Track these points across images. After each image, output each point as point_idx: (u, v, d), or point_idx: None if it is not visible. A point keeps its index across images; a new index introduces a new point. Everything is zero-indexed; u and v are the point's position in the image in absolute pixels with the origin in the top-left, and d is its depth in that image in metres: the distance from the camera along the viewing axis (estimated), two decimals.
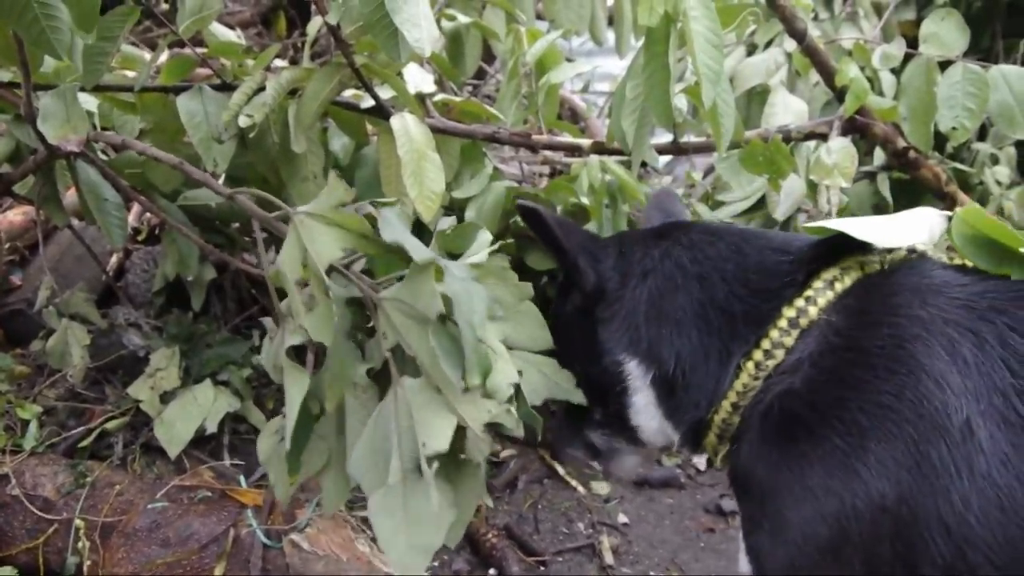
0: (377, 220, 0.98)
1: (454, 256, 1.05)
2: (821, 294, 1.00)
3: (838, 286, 1.00)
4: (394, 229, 0.95)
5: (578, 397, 1.16)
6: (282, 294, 1.05)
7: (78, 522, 1.65)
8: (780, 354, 1.00)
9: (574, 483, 2.19)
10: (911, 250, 1.02)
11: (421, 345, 0.92)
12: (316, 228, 0.98)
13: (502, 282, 1.04)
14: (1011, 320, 0.90)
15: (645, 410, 1.16)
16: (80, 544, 1.63)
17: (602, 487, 2.19)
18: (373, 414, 0.95)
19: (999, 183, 2.45)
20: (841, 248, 1.04)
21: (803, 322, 0.99)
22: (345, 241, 0.99)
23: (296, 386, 0.98)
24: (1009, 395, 0.86)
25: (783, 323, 1.00)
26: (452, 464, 0.93)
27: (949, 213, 1.03)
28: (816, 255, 1.06)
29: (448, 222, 1.04)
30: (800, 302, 1.00)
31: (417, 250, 0.93)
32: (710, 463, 1.20)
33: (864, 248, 1.02)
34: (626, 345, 1.14)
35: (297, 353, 1.03)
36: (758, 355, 1.02)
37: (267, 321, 1.10)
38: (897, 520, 0.86)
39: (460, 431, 0.91)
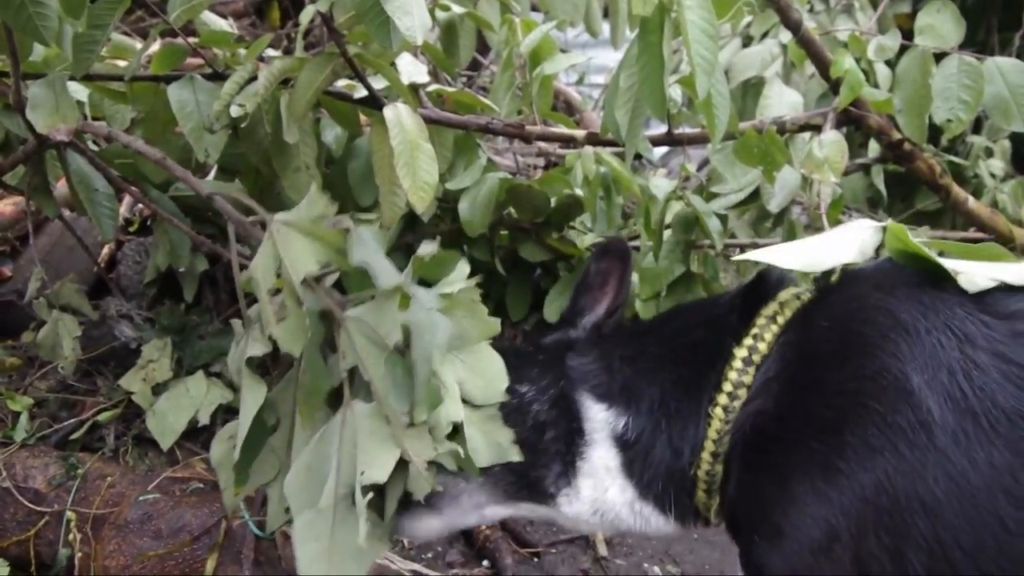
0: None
1: (430, 283, 1.01)
2: (766, 329, 1.02)
3: (780, 319, 1.02)
4: (364, 249, 0.92)
5: (515, 457, 1.02)
6: (253, 300, 1.03)
7: (69, 514, 1.64)
8: (743, 393, 1.01)
9: None
10: (844, 271, 1.03)
11: (376, 371, 0.89)
12: (293, 238, 0.96)
13: (470, 315, 1.00)
14: (957, 299, 0.91)
15: (597, 473, 1.11)
16: (71, 536, 1.62)
17: None
18: (318, 434, 0.92)
19: (993, 176, 2.45)
20: (778, 283, 1.08)
21: (756, 358, 1.01)
22: (321, 254, 0.96)
23: (252, 396, 0.96)
24: (955, 372, 0.85)
25: (738, 364, 1.02)
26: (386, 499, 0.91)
27: (883, 224, 1.03)
28: (747, 295, 1.10)
29: (429, 249, 1.01)
30: (748, 341, 1.02)
31: (384, 275, 0.90)
32: (707, 523, 1.14)
33: (795, 280, 1.07)
34: (595, 384, 1.13)
35: (260, 363, 1.01)
36: (723, 399, 1.03)
37: (236, 324, 1.08)
38: (879, 509, 0.86)
39: (402, 464, 0.88)
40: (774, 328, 1.02)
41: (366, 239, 0.94)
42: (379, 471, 0.86)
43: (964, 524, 0.82)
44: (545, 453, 1.11)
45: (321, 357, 0.98)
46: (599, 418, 1.10)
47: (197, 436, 1.97)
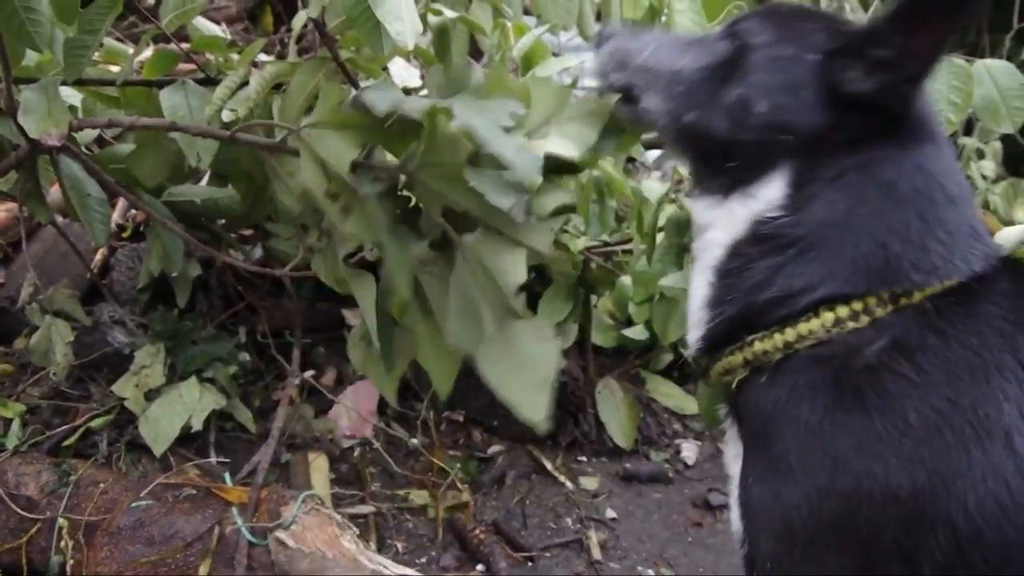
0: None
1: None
2: (931, 285, 0.91)
3: (946, 282, 0.92)
4: (384, 97, 0.92)
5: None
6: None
7: (61, 521, 1.64)
8: (865, 321, 0.90)
9: (562, 478, 2.19)
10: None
11: (468, 195, 0.89)
12: (325, 136, 0.98)
13: (506, 89, 1.00)
14: None
15: (718, 233, 0.98)
16: (63, 543, 1.61)
17: (590, 482, 2.20)
18: (451, 281, 0.94)
19: (985, 177, 2.46)
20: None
21: (903, 301, 0.91)
22: (356, 138, 0.97)
23: (366, 290, 0.97)
24: None
25: (886, 295, 0.91)
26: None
27: None
28: (977, 265, 0.94)
29: (437, 72, 1.03)
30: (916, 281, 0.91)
31: (414, 105, 0.90)
32: (704, 372, 1.03)
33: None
34: (805, 164, 0.93)
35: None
36: (843, 311, 0.91)
37: (314, 241, 1.10)
38: (905, 512, 0.85)
39: (536, 256, 0.91)
40: (937, 287, 0.91)
41: (381, 90, 0.95)
42: (516, 274, 0.88)
43: (998, 541, 0.83)
44: (718, 164, 0.98)
45: (407, 229, 0.99)
46: (771, 192, 0.94)
47: (190, 442, 1.97)
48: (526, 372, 0.88)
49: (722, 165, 0.97)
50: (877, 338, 0.90)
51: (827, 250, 0.92)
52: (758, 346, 0.94)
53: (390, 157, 1.04)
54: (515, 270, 0.89)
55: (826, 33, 0.97)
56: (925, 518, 0.85)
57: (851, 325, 0.91)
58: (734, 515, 0.99)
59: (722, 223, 0.98)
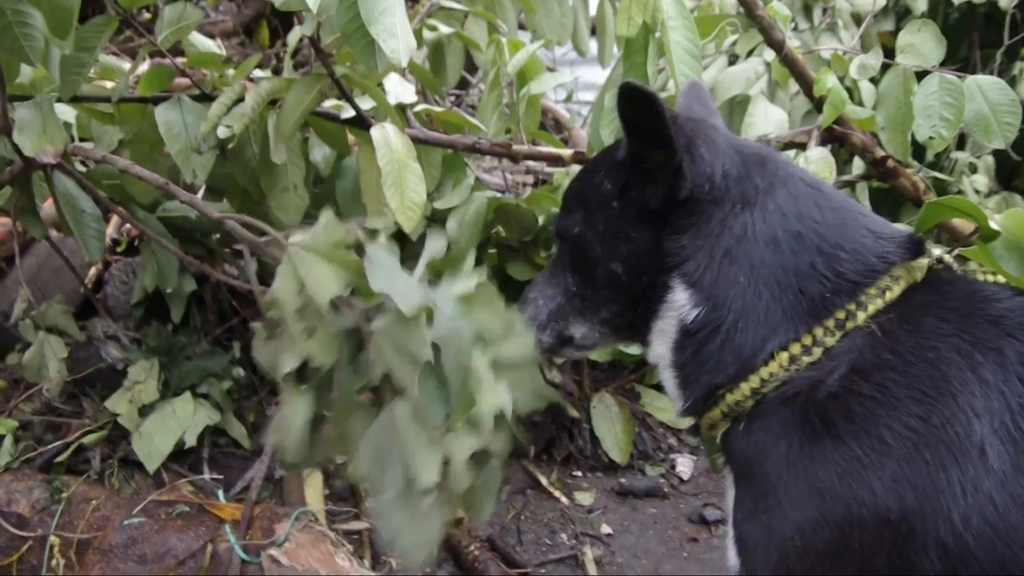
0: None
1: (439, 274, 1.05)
2: (872, 301, 0.97)
3: (888, 295, 0.97)
4: (382, 275, 0.96)
5: (555, 399, 1.15)
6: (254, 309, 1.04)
7: (53, 539, 1.62)
8: (818, 352, 0.96)
9: (557, 494, 2.18)
10: (939, 259, 1.02)
11: (410, 382, 0.94)
12: (313, 263, 1.00)
13: (491, 310, 1.04)
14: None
15: (663, 345, 1.09)
16: (55, 561, 1.60)
17: (586, 498, 2.19)
18: (371, 430, 0.97)
19: (977, 191, 2.47)
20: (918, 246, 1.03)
21: (849, 325, 0.96)
22: (344, 278, 0.99)
23: (298, 406, 0.99)
24: (1016, 413, 0.87)
25: (830, 323, 0.97)
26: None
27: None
28: (894, 254, 1.01)
29: (438, 245, 1.04)
30: (851, 306, 0.97)
31: (406, 300, 0.93)
32: (697, 430, 1.12)
33: (914, 252, 1.02)
34: (687, 268, 1.03)
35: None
36: (795, 348, 0.97)
37: (257, 327, 1.10)
38: (897, 534, 0.87)
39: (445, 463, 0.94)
40: (879, 303, 0.97)
41: (382, 262, 0.98)
42: (428, 473, 0.91)
43: (992, 558, 0.84)
44: (639, 317, 1.11)
45: (351, 368, 1.01)
46: (680, 301, 1.04)
47: (184, 458, 1.95)
48: (417, 529, 0.93)
49: (639, 319, 1.10)
50: (835, 366, 0.95)
51: (755, 317, 1.00)
52: (729, 398, 1.01)
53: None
54: (428, 468, 0.92)
55: (607, 182, 1.11)
56: (916, 537, 0.86)
57: (806, 360, 0.97)
58: (731, 554, 1.01)
59: (660, 339, 1.09)
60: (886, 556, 0.87)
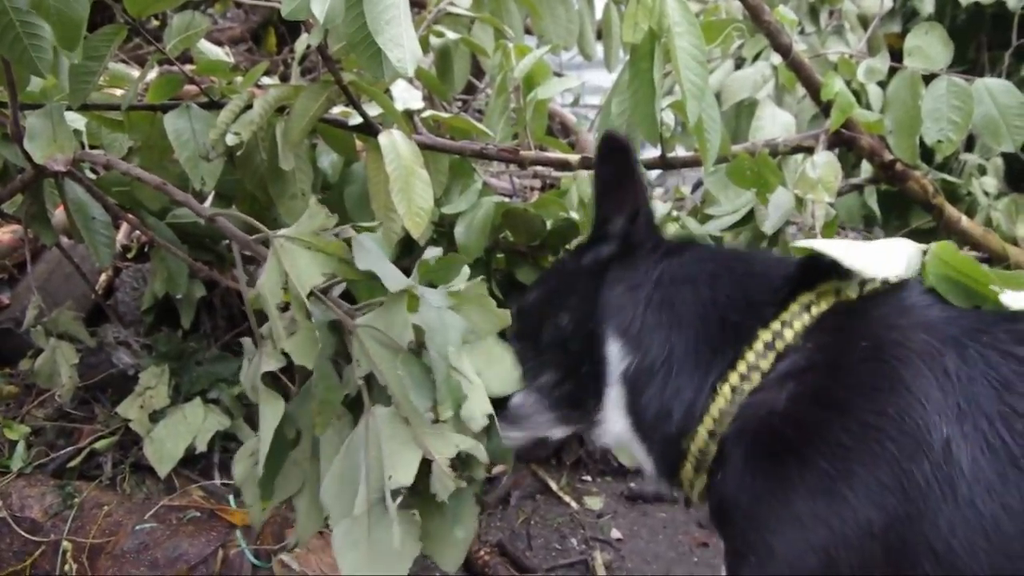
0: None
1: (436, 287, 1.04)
2: (797, 318, 0.98)
3: (814, 310, 0.99)
4: (369, 256, 0.94)
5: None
6: (262, 317, 1.04)
7: (66, 544, 1.64)
8: (756, 377, 0.97)
9: (567, 498, 2.18)
10: (885, 281, 1.00)
11: (392, 375, 0.91)
12: (297, 252, 0.98)
13: (481, 309, 1.03)
14: (995, 340, 0.89)
15: (614, 411, 1.10)
16: (67, 566, 1.61)
17: (595, 502, 2.19)
18: (344, 442, 0.94)
19: (987, 194, 2.46)
20: (820, 272, 1.02)
21: (779, 345, 0.97)
22: (326, 266, 0.98)
23: (271, 411, 0.97)
24: (994, 419, 0.84)
25: (759, 346, 0.98)
26: (425, 496, 0.92)
27: (924, 247, 1.03)
28: (796, 278, 1.04)
29: (433, 252, 1.04)
30: (776, 325, 0.98)
31: (391, 278, 0.92)
32: (688, 503, 1.12)
33: (840, 274, 1.01)
34: (618, 319, 1.08)
35: (274, 377, 1.02)
36: (734, 378, 0.99)
37: (247, 342, 1.09)
38: (886, 547, 0.84)
39: (428, 463, 0.90)
40: (805, 319, 0.98)
41: (369, 246, 0.97)
42: (404, 474, 0.88)
43: (989, 573, 0.81)
44: (583, 384, 1.12)
45: (334, 367, 1.00)
46: (614, 354, 1.08)
47: (195, 463, 1.96)
48: (376, 566, 0.88)
49: (582, 383, 1.12)
50: (779, 388, 0.96)
51: (685, 355, 1.03)
52: (693, 447, 1.02)
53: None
54: (405, 467, 0.88)
55: (568, 257, 1.21)
56: (907, 547, 0.83)
57: (747, 387, 0.98)
58: None
59: (616, 407, 1.09)
60: (879, 573, 0.85)
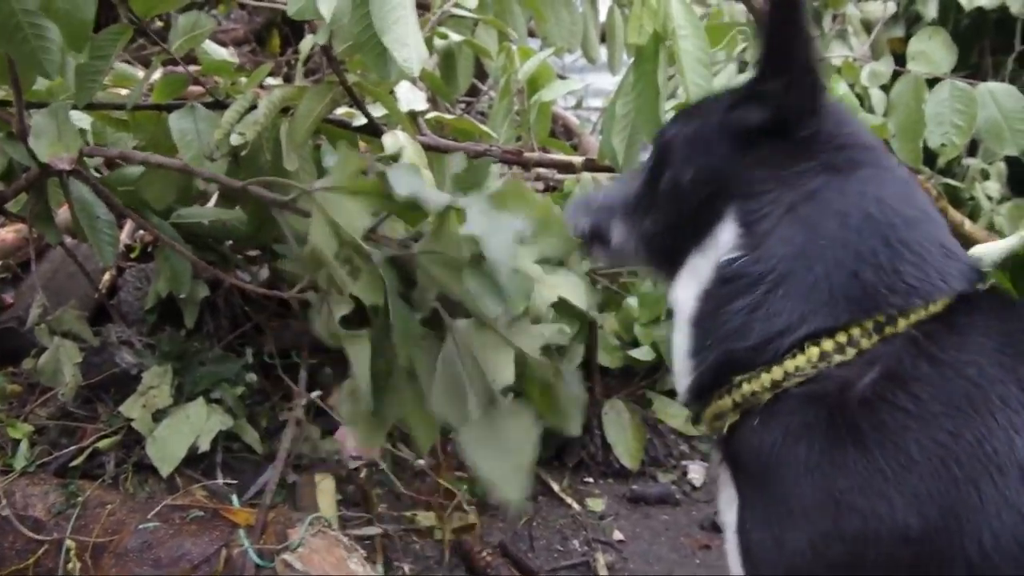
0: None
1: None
2: (915, 310, 0.90)
3: (931, 308, 0.91)
4: (405, 183, 0.96)
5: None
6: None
7: (69, 542, 1.64)
8: (851, 353, 0.89)
9: (569, 500, 2.18)
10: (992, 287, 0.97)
11: (460, 289, 0.94)
12: (339, 201, 1.00)
13: (524, 203, 1.04)
14: None
15: (687, 290, 1.00)
16: (70, 565, 1.61)
17: (597, 504, 2.19)
18: (439, 358, 0.98)
19: (990, 198, 2.47)
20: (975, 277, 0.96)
21: (888, 330, 0.90)
22: (371, 206, 1.00)
23: (360, 349, 1.00)
24: None
25: (870, 324, 0.90)
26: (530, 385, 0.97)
27: None
28: (951, 275, 0.94)
29: (459, 161, 1.07)
30: (894, 310, 0.90)
31: (432, 199, 0.93)
32: (697, 418, 1.03)
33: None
34: (748, 205, 0.95)
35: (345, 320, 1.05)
36: (828, 345, 0.90)
37: (312, 296, 1.12)
38: (918, 552, 0.83)
39: (522, 358, 0.95)
40: (920, 313, 0.90)
41: (404, 174, 0.98)
42: (503, 374, 0.92)
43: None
44: (680, 247, 1.03)
45: (402, 300, 1.02)
46: (726, 238, 0.96)
47: (197, 463, 1.96)
48: (507, 456, 0.93)
49: (679, 243, 1.02)
50: (868, 370, 0.88)
51: (798, 285, 0.92)
52: (746, 387, 0.93)
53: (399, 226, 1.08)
54: (504, 368, 0.93)
55: (727, 96, 1.04)
56: (937, 557, 0.82)
57: (838, 358, 0.89)
58: (732, 561, 0.97)
59: (689, 279, 1.01)
60: (905, 574, 0.83)
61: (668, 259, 1.06)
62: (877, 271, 0.91)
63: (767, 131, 0.97)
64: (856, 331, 0.90)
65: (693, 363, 0.99)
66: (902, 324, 0.90)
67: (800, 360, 0.90)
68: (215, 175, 1.35)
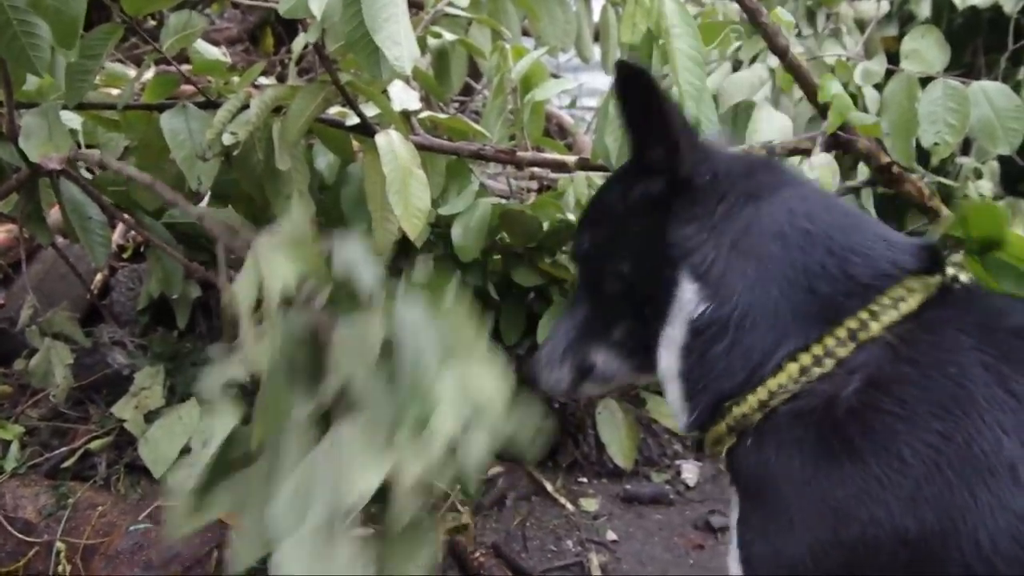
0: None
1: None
2: (886, 312, 0.92)
3: (903, 306, 0.93)
4: (346, 257, 0.90)
5: (531, 452, 1.00)
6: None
7: (59, 544, 1.63)
8: (829, 364, 0.92)
9: (562, 500, 2.18)
10: (953, 276, 0.97)
11: (363, 385, 0.86)
12: (273, 254, 0.93)
13: (459, 326, 0.97)
14: None
15: (668, 352, 1.03)
16: (61, 567, 1.61)
17: (591, 504, 2.18)
18: (308, 457, 0.86)
19: (983, 196, 2.47)
20: (929, 262, 0.97)
21: (862, 336, 0.92)
22: (301, 268, 0.92)
23: (222, 420, 0.91)
24: None
25: (842, 333, 0.92)
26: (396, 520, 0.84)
27: None
28: (904, 265, 0.96)
29: (423, 269, 0.99)
30: (864, 315, 0.92)
31: (365, 280, 0.88)
32: (699, 446, 1.05)
33: (931, 265, 0.96)
34: (693, 260, 0.99)
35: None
36: (806, 359, 0.92)
37: (218, 348, 1.04)
38: (916, 554, 0.83)
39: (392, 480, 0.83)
40: (893, 314, 0.92)
41: (350, 246, 0.92)
42: (361, 489, 0.80)
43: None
44: (653, 330, 1.05)
45: (287, 376, 0.91)
46: (687, 297, 1.00)
47: None
48: None
49: (651, 328, 1.05)
50: (850, 380, 0.90)
51: (763, 314, 0.95)
52: (736, 411, 0.96)
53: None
54: (364, 483, 0.80)
55: (616, 188, 1.10)
56: (934, 559, 0.82)
57: (817, 371, 0.92)
58: (734, 573, 0.98)
59: (668, 348, 1.04)
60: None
61: (645, 355, 1.09)
62: (831, 282, 0.94)
63: (672, 193, 1.01)
64: (830, 341, 0.92)
65: (690, 405, 1.03)
66: (875, 328, 0.92)
67: (782, 378, 0.93)
68: (176, 198, 1.32)
